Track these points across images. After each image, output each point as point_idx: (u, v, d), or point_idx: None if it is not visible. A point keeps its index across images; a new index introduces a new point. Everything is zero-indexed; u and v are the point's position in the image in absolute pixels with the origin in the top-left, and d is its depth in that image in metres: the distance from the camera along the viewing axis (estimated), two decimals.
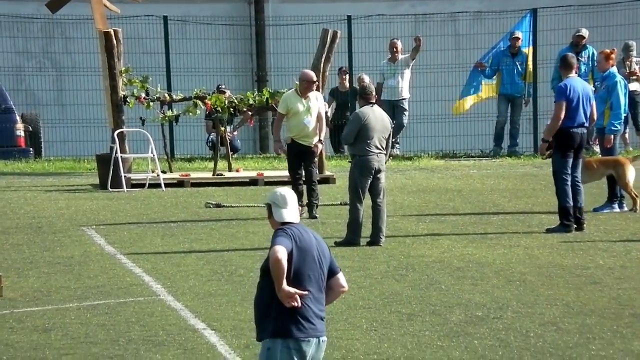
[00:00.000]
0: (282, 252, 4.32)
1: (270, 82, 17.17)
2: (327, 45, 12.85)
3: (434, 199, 11.39)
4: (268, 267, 4.40)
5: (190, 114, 13.09)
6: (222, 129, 13.26)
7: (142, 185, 12.47)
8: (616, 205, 10.25)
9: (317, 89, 10.79)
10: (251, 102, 13.05)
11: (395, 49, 14.93)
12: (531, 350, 6.23)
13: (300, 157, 10.18)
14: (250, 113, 13.33)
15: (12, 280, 7.85)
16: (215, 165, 13.02)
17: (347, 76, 15.61)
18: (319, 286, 4.44)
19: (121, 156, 12.40)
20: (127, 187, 12.32)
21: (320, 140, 10.21)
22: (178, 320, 6.85)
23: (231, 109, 13.06)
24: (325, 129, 10.31)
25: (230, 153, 13.65)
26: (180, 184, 12.67)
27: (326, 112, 14.75)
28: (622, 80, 10.35)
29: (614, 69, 10.37)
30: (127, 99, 12.87)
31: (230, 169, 13.26)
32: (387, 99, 14.79)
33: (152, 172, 12.71)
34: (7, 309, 7.14)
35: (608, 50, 10.35)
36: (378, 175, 9.00)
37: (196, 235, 9.58)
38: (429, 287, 7.65)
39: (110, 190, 12.27)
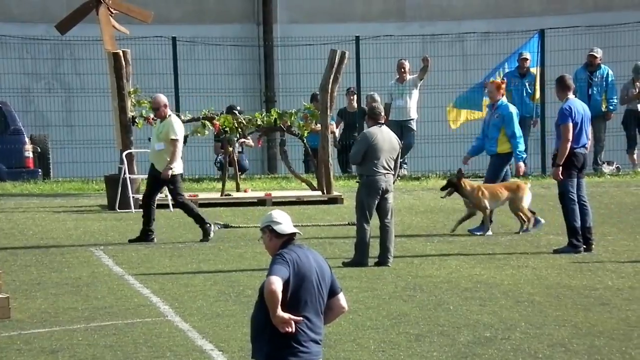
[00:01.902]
0: (277, 284, 4.31)
1: (279, 103, 17.21)
2: (335, 66, 12.89)
3: (442, 220, 11.37)
4: None
5: (199, 134, 13.14)
6: (231, 149, 13.30)
7: None
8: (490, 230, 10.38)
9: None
10: (259, 122, 13.09)
11: (403, 70, 14.97)
12: None
13: (155, 181, 10.28)
14: (258, 134, 13.37)
15: (20, 302, 7.86)
16: (224, 185, 13.04)
17: (355, 97, 15.64)
18: (316, 311, 4.43)
19: (129, 177, 12.44)
20: (135, 208, 12.34)
21: (166, 167, 10.22)
22: (186, 341, 6.84)
23: (239, 130, 13.10)
24: (174, 156, 10.32)
25: (239, 173, 13.68)
26: None
27: (334, 133, 14.83)
28: (514, 109, 10.73)
29: (504, 99, 10.72)
30: (136, 120, 12.92)
31: (238, 190, 13.28)
32: (395, 119, 14.81)
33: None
34: (15, 330, 7.15)
35: (499, 81, 10.79)
36: (386, 196, 9.01)
37: (204, 256, 9.57)
38: (437, 307, 7.63)
39: (119, 211, 12.30)
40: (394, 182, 9.11)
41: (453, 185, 10.32)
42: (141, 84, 13.71)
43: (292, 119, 13.02)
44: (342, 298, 4.53)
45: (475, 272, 8.80)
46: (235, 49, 17.59)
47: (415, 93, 15.03)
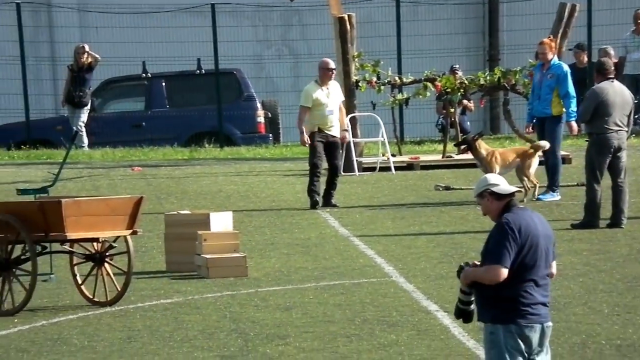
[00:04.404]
0: (503, 276, 4.35)
1: (503, 61, 16.79)
2: (564, 20, 12.35)
3: None
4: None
5: (420, 96, 13.16)
6: (452, 110, 13.20)
7: (372, 169, 12.75)
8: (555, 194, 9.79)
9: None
10: (482, 82, 12.87)
11: (639, 21, 14.05)
12: None
13: (326, 148, 10.01)
14: (481, 94, 13.15)
15: (255, 261, 8.32)
16: (445, 147, 13.00)
17: (585, 52, 14.90)
18: (543, 273, 4.41)
19: (353, 140, 12.74)
20: (358, 171, 12.63)
21: (345, 130, 10.08)
22: (411, 302, 6.97)
23: (461, 90, 12.97)
24: (346, 119, 10.16)
25: (460, 135, 13.58)
26: (409, 167, 12.82)
27: None
28: (567, 68, 10.10)
29: (556, 58, 10.08)
30: (359, 84, 13.17)
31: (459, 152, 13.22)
32: (631, 74, 13.99)
33: (383, 155, 12.94)
34: (252, 287, 7.59)
35: (548, 39, 10.07)
36: (618, 154, 8.68)
37: (426, 218, 9.68)
38: None
39: (343, 174, 12.61)
40: (627, 139, 8.71)
41: (467, 144, 10.03)
42: (364, 47, 13.89)
43: (517, 77, 12.68)
44: (554, 264, 4.50)
45: None
46: (458, 7, 17.31)
47: None
